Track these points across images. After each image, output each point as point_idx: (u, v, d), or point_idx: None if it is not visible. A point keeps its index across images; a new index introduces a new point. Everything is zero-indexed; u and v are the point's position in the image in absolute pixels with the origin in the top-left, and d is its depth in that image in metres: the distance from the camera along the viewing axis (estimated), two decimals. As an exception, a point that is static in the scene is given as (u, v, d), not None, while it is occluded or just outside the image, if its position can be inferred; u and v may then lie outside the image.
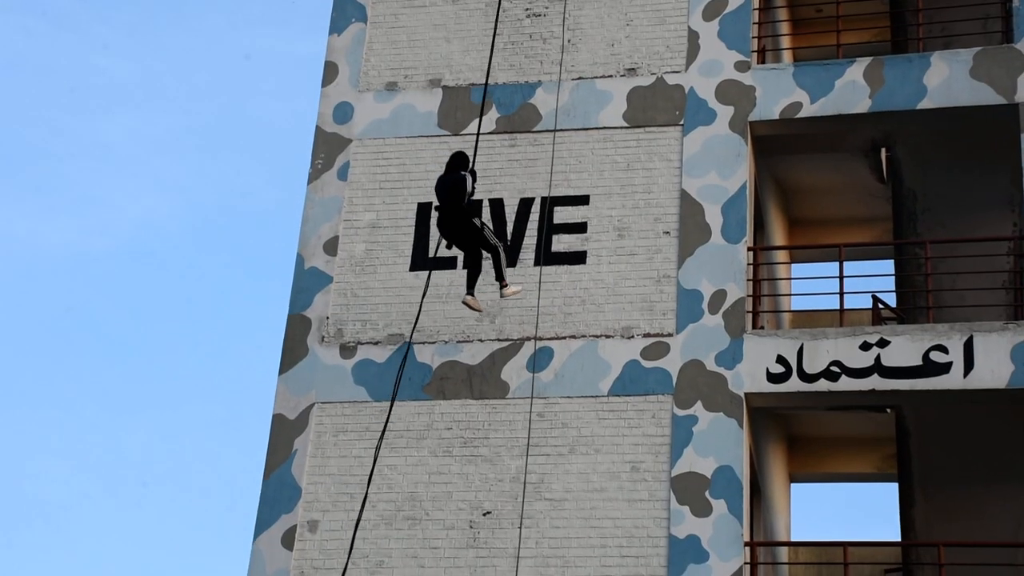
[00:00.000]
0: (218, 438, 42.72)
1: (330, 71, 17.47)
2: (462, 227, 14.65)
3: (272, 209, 44.74)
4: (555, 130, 16.52)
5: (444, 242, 14.92)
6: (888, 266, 19.80)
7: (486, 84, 15.19)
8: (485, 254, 14.83)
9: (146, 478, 42.01)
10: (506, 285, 14.80)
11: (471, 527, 15.01)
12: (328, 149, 17.14)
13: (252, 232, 45.54)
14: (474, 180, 14.63)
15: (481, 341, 15.75)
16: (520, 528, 14.82)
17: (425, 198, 16.66)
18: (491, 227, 15.46)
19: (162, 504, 41.59)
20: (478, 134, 15.46)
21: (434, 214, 15.77)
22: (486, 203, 16.46)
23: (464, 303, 14.82)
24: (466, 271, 14.99)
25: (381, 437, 14.25)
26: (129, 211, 45.38)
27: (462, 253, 15.14)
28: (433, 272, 16.22)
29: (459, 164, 14.87)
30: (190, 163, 45.53)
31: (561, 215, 16.33)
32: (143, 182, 45.27)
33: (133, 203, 45.35)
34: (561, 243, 16.20)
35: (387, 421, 14.41)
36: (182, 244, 46.01)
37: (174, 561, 40.87)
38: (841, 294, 15.94)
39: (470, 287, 14.83)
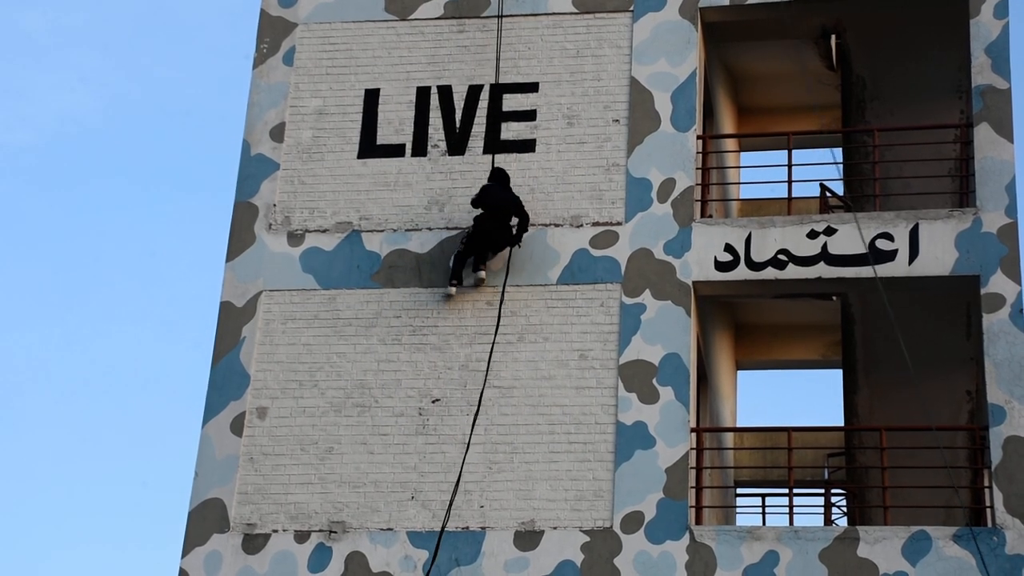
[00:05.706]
0: (165, 326, 42.56)
1: (275, -47, 17.14)
2: (494, 238, 15.20)
3: (215, 97, 43.97)
4: (501, 15, 16.34)
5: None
6: (836, 154, 19.84)
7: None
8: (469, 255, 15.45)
9: (92, 368, 41.91)
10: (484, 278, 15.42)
11: (420, 414, 15.08)
12: (273, 33, 16.88)
13: (195, 121, 44.77)
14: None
15: (430, 230, 15.70)
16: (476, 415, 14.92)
17: (372, 84, 16.48)
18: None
19: (110, 390, 41.57)
20: (500, 16, 15.19)
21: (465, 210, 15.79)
22: (435, 90, 16.33)
23: (450, 294, 15.30)
24: (455, 261, 15.31)
25: None
26: (52, 104, 44.35)
27: (463, 246, 15.42)
28: (381, 160, 16.14)
29: (505, 179, 15.42)
30: (118, 52, 44.35)
31: (510, 102, 16.21)
32: (69, 73, 44.17)
33: (58, 95, 44.30)
34: (510, 131, 16.10)
35: None
36: (117, 134, 45.05)
37: (123, 446, 40.98)
38: (789, 182, 15.99)
39: (460, 277, 15.32)
